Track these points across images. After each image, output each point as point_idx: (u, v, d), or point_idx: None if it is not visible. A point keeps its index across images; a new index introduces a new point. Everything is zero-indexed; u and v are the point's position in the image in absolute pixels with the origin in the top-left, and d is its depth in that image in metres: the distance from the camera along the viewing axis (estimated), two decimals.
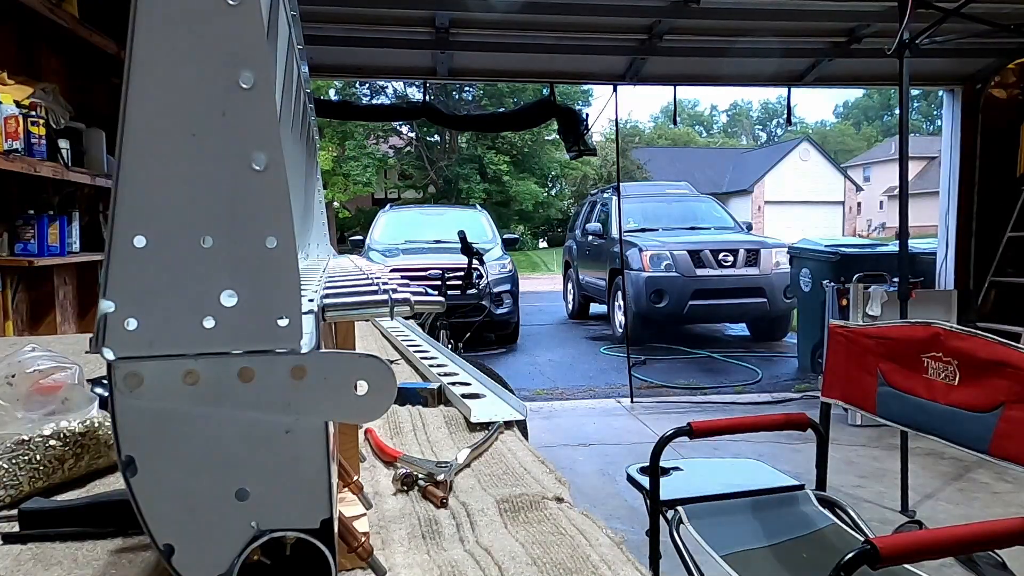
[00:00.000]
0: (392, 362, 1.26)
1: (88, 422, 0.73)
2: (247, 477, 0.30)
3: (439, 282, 6.47)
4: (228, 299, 0.30)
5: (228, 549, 0.30)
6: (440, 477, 0.70)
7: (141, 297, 0.30)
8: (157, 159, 0.30)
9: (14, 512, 0.58)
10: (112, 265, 0.29)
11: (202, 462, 0.30)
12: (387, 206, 11.16)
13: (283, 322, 0.31)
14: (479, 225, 9.25)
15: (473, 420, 0.91)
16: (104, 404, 0.83)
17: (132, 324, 0.30)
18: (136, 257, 0.29)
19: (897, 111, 4.03)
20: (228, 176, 0.31)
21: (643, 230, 8.54)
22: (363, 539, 0.40)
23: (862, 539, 1.37)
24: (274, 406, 0.31)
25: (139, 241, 0.29)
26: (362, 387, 0.31)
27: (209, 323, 0.30)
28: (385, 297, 0.40)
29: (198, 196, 0.30)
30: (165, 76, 0.30)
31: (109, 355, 0.29)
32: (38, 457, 0.68)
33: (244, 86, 0.30)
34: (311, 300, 0.40)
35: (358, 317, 0.40)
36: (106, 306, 0.29)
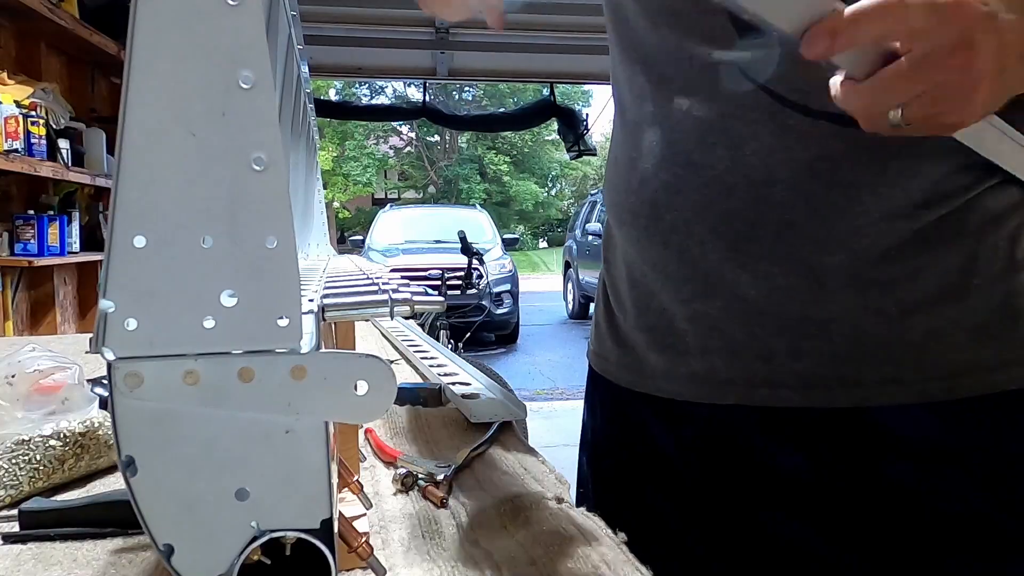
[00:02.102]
0: (392, 362, 1.26)
1: (88, 422, 0.73)
2: (247, 477, 0.31)
3: (439, 282, 6.47)
4: (228, 299, 0.30)
5: (228, 549, 0.30)
6: (440, 477, 0.70)
7: (141, 297, 0.30)
8: (157, 159, 0.30)
9: (14, 512, 0.58)
10: (112, 265, 0.29)
11: (202, 462, 0.30)
12: (387, 206, 11.17)
13: (283, 322, 0.31)
14: (479, 225, 9.26)
15: (473, 420, 0.91)
16: (104, 404, 0.83)
17: (132, 324, 0.30)
18: (136, 257, 0.30)
19: None
20: (228, 176, 0.31)
21: None
22: (363, 539, 0.40)
23: None
24: (274, 406, 0.31)
25: (139, 241, 0.29)
26: (362, 387, 0.31)
27: (209, 323, 0.30)
28: (385, 297, 0.40)
29: (198, 196, 0.30)
30: (165, 76, 0.30)
31: (109, 355, 0.29)
32: (38, 457, 0.68)
33: (244, 86, 0.30)
34: (311, 300, 0.40)
35: (358, 317, 0.40)
36: (106, 306, 0.29)
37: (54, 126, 3.05)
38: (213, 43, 0.30)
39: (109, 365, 0.30)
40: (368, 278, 0.59)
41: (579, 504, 0.64)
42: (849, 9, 0.44)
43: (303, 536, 0.30)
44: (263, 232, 0.30)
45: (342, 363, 0.31)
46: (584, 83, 10.12)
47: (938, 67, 0.44)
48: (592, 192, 13.02)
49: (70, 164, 3.11)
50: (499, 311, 7.90)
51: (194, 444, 0.30)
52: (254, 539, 0.30)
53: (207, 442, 0.30)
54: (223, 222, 0.30)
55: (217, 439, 0.30)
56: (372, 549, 0.40)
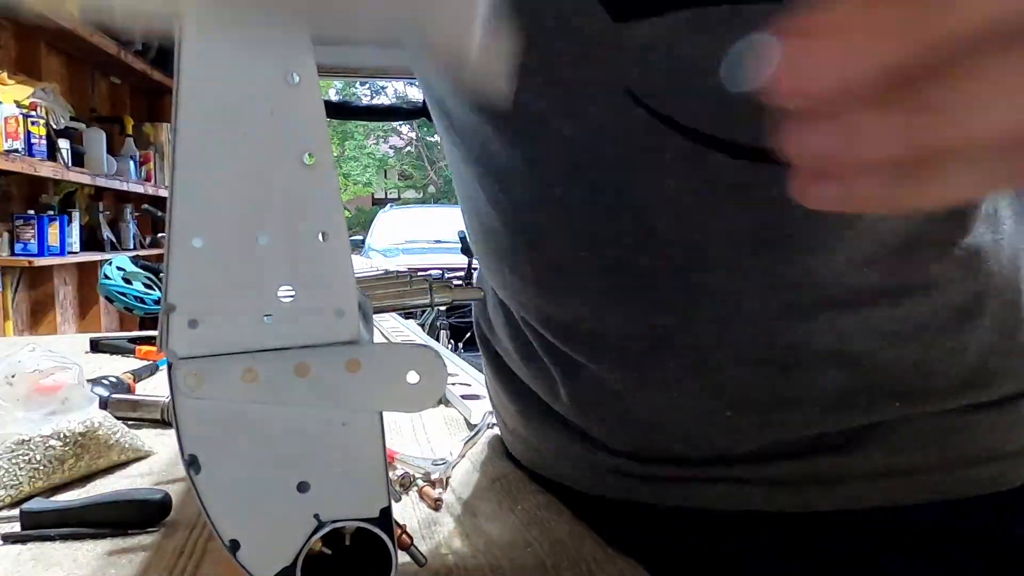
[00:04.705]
0: None
1: (88, 422, 0.73)
2: (308, 470, 0.31)
3: None
4: (285, 295, 0.31)
5: (292, 541, 0.31)
6: (436, 475, 0.69)
7: (201, 297, 0.30)
8: (209, 160, 0.30)
9: (14, 512, 0.58)
10: (172, 267, 0.30)
11: (264, 457, 0.31)
12: (387, 206, 11.16)
13: (338, 315, 0.31)
14: None
15: (473, 420, 0.91)
16: (104, 404, 0.83)
17: (193, 324, 0.30)
18: (195, 258, 0.30)
19: None
20: (280, 173, 0.31)
21: None
22: (403, 529, 0.41)
23: None
24: (331, 399, 0.31)
25: (197, 242, 0.30)
26: (412, 377, 0.32)
27: (267, 320, 0.30)
28: (425, 286, 0.41)
29: (252, 194, 0.31)
30: (215, 78, 0.31)
31: (172, 356, 0.30)
32: (38, 457, 0.67)
33: (291, 83, 0.31)
34: None
35: (401, 308, 0.41)
36: (168, 307, 0.30)
37: (54, 126, 3.04)
38: (262, 42, 0.30)
39: (170, 366, 0.30)
40: (395, 274, 0.59)
41: None
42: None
43: (364, 525, 0.31)
44: (316, 227, 0.31)
45: (394, 354, 0.32)
46: None
47: None
48: None
49: (70, 164, 3.11)
50: None
51: (255, 440, 0.30)
52: (316, 530, 0.30)
53: (268, 438, 0.30)
54: (277, 219, 0.31)
55: (277, 434, 0.30)
56: (412, 539, 0.41)
